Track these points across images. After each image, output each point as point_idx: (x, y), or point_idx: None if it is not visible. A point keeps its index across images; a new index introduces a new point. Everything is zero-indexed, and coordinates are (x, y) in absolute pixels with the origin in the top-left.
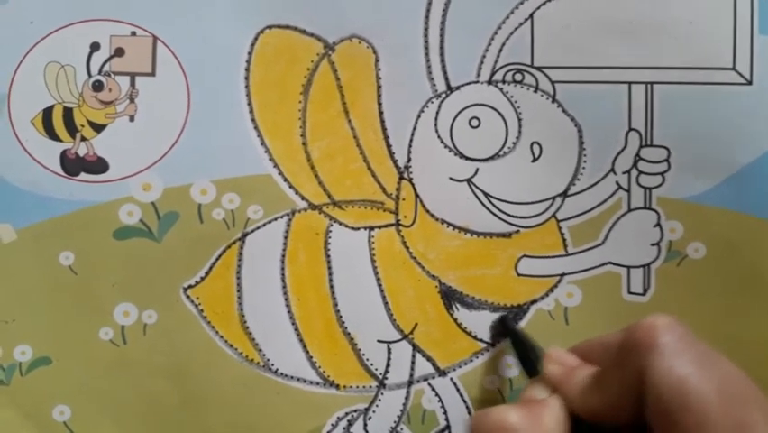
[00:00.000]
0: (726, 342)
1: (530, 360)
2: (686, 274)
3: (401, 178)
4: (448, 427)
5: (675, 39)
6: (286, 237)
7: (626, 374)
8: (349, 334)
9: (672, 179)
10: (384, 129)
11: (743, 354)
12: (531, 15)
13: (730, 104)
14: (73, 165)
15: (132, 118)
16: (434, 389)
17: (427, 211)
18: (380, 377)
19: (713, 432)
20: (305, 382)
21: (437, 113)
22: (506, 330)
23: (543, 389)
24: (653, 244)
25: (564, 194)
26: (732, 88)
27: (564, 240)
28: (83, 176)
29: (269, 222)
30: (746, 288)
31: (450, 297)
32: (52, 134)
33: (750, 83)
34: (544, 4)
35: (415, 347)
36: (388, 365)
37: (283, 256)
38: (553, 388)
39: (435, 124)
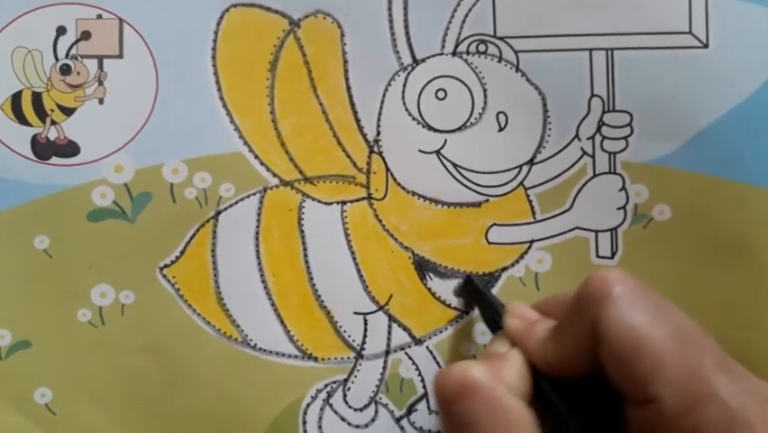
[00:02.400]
0: (694, 302)
1: (493, 316)
2: (653, 236)
3: (371, 152)
4: (426, 394)
5: (633, 4)
6: (259, 214)
7: (580, 326)
8: (325, 307)
9: (635, 144)
10: (352, 104)
11: (710, 313)
12: None
13: (688, 67)
14: (44, 149)
15: (101, 101)
16: (410, 358)
17: (398, 184)
18: (358, 348)
19: (666, 376)
20: (283, 355)
21: (404, 86)
22: (470, 290)
23: (504, 343)
24: (619, 208)
25: (531, 162)
26: (689, 52)
27: (532, 207)
28: (54, 160)
29: (242, 200)
30: (712, 247)
31: (423, 267)
32: (22, 119)
33: (706, 46)
34: None
35: (390, 318)
36: (364, 336)
37: (257, 233)
38: (513, 342)
39: (403, 97)
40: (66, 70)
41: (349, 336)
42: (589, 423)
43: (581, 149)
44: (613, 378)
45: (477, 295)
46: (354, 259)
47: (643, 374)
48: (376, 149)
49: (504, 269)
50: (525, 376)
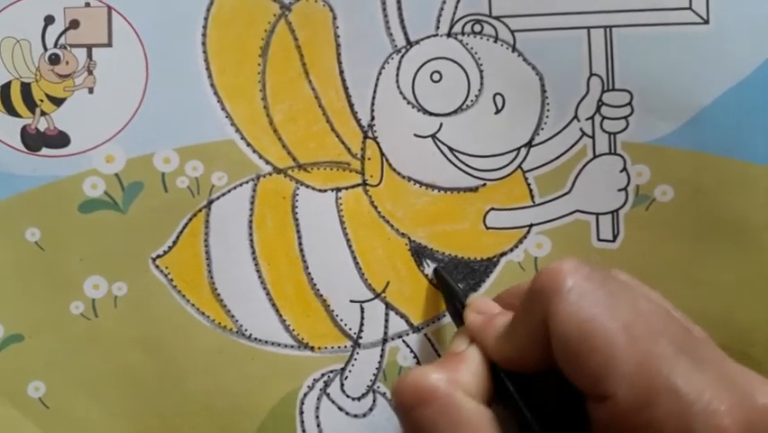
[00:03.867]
0: (696, 284)
1: (458, 310)
2: (655, 218)
3: (365, 137)
4: None
5: None
6: (252, 202)
7: (533, 321)
8: (321, 296)
9: (635, 123)
10: (345, 88)
11: (713, 294)
12: None
13: (689, 44)
14: (34, 140)
15: (91, 90)
16: (408, 345)
17: (393, 169)
18: (355, 337)
19: (618, 371)
20: (279, 345)
21: (398, 69)
22: (439, 282)
23: (464, 340)
24: (620, 190)
25: (529, 144)
26: (689, 28)
27: (531, 190)
28: (45, 151)
29: (235, 188)
30: (715, 227)
31: (420, 254)
32: (11, 110)
33: (707, 22)
34: None
35: (387, 305)
36: (361, 325)
37: (250, 222)
38: (472, 338)
39: (397, 81)
40: (55, 60)
41: (345, 325)
42: (554, 418)
43: (581, 130)
44: (567, 374)
45: (443, 288)
46: (350, 246)
47: (594, 370)
48: (370, 134)
49: (503, 254)
50: (484, 374)
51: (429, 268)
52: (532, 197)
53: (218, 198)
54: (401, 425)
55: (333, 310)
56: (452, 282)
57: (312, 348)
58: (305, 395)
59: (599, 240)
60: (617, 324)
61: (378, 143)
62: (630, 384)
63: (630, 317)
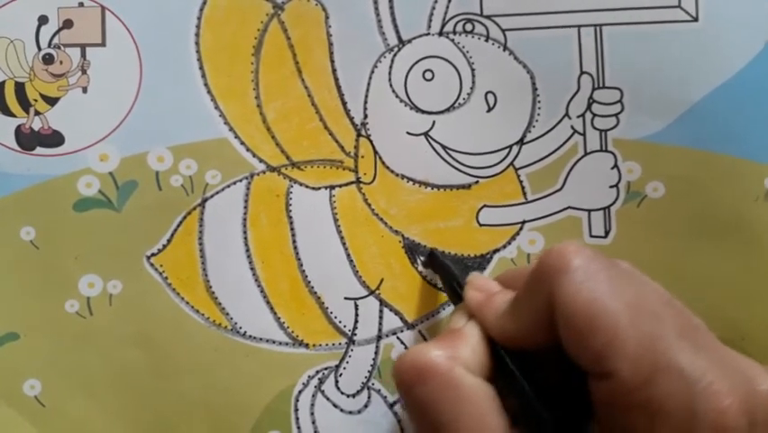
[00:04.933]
0: (689, 279)
1: (455, 289)
2: (646, 214)
3: (359, 135)
4: None
5: None
6: (246, 201)
7: (537, 299)
8: (315, 293)
9: (626, 120)
10: (338, 87)
11: (705, 290)
12: None
13: (678, 41)
14: (28, 140)
15: (84, 90)
16: (402, 342)
17: (387, 167)
18: (349, 334)
19: (622, 349)
20: (274, 342)
21: (390, 67)
22: (433, 264)
23: (463, 317)
24: (611, 186)
25: (521, 142)
26: (679, 26)
27: (523, 187)
28: (39, 150)
29: (228, 186)
30: (706, 224)
31: (413, 251)
32: (5, 110)
33: (696, 20)
34: None
35: (382, 302)
36: (356, 322)
37: (244, 220)
38: (472, 315)
39: (389, 79)
40: (48, 60)
41: (340, 322)
42: (554, 395)
43: (572, 127)
44: (570, 352)
45: (440, 269)
46: (344, 244)
47: (598, 348)
48: (363, 132)
49: (496, 250)
50: (483, 350)
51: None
52: (524, 194)
53: (212, 196)
54: (403, 403)
55: (327, 308)
56: (449, 263)
57: (306, 345)
58: (299, 392)
59: (591, 236)
60: (621, 304)
61: (371, 141)
62: (633, 363)
63: (633, 299)
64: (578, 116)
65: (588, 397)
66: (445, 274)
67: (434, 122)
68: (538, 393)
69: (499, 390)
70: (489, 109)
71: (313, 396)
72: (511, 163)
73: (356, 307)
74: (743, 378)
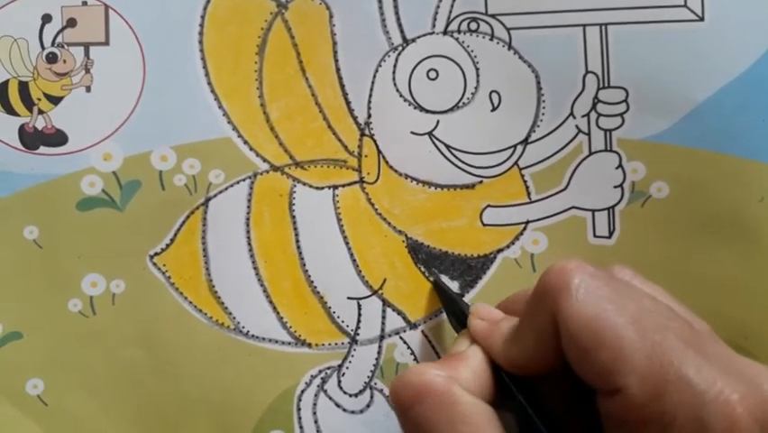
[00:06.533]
0: (693, 280)
1: (459, 318)
2: (651, 214)
3: (362, 134)
4: None
5: None
6: (249, 200)
7: (540, 321)
8: (318, 293)
9: (631, 120)
10: (342, 86)
11: (709, 291)
12: None
13: (684, 41)
14: (32, 139)
15: (88, 89)
16: (405, 342)
17: (390, 167)
18: (352, 333)
19: (629, 364)
20: (276, 342)
21: (395, 66)
22: (438, 291)
23: (466, 341)
24: (616, 186)
25: (525, 141)
26: (685, 26)
27: (527, 187)
28: (42, 149)
29: (232, 186)
30: (711, 224)
31: (417, 251)
32: (9, 109)
33: (702, 19)
34: None
35: (384, 302)
36: (358, 321)
37: (248, 219)
38: (478, 343)
39: (393, 78)
40: (52, 59)
41: (342, 322)
42: (561, 416)
43: (576, 127)
44: (577, 370)
45: (445, 298)
46: (347, 243)
47: (605, 364)
48: (367, 131)
49: (499, 250)
50: (485, 373)
51: (426, 267)
52: (528, 194)
53: (215, 195)
54: (400, 424)
55: (330, 307)
56: (453, 292)
57: (309, 345)
58: (302, 392)
59: (595, 236)
60: (626, 318)
61: (375, 141)
62: (641, 376)
63: (637, 312)
64: (583, 116)
65: (596, 419)
66: (449, 304)
67: (437, 121)
68: (544, 419)
69: (504, 415)
70: (494, 109)
71: (315, 396)
72: (515, 163)
73: (359, 306)
74: (752, 385)
